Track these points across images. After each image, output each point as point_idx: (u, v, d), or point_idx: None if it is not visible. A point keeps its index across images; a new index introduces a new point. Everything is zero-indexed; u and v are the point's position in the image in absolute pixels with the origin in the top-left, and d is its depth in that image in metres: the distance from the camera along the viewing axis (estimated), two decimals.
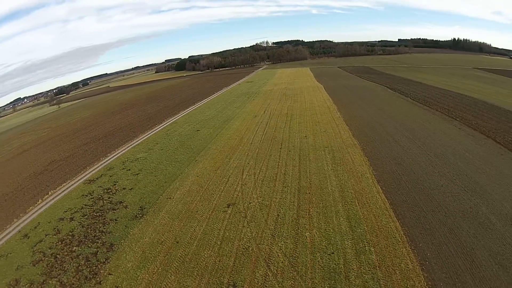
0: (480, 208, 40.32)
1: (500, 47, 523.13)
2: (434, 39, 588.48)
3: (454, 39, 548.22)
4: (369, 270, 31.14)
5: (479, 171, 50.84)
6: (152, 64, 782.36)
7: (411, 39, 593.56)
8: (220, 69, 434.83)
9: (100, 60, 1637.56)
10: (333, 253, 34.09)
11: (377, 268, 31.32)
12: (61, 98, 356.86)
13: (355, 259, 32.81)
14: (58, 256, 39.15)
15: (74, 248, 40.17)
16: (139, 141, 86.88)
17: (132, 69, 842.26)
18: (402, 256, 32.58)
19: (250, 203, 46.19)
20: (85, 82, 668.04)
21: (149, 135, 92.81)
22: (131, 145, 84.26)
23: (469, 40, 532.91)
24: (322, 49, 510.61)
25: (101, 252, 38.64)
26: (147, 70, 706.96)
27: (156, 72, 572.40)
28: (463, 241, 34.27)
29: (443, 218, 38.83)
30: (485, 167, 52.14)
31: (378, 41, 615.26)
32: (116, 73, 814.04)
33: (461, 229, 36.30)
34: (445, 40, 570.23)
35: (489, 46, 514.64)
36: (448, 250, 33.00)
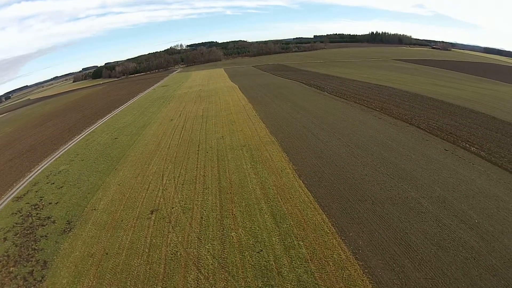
0: (409, 193, 41.89)
1: (422, 38, 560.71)
2: (352, 34, 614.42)
3: (372, 32, 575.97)
4: (301, 264, 31.27)
5: (404, 158, 53.04)
6: (70, 73, 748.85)
7: (327, 35, 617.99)
8: (136, 74, 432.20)
9: (21, 72, 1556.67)
10: (261, 250, 34.12)
11: (309, 261, 31.48)
12: None
13: (285, 255, 32.93)
14: None
15: (11, 268, 38.93)
16: (61, 153, 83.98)
17: (51, 79, 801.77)
18: (333, 247, 32.96)
19: (172, 207, 45.65)
20: (7, 95, 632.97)
21: (69, 146, 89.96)
22: (53, 157, 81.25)
23: (388, 33, 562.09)
24: (236, 49, 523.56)
25: (36, 271, 37.36)
26: (65, 80, 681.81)
27: (74, 81, 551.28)
28: (396, 226, 35.30)
29: (371, 206, 39.87)
30: (410, 154, 54.54)
31: (293, 38, 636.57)
32: (36, 84, 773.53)
33: (392, 215, 37.43)
34: (363, 34, 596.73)
35: (409, 38, 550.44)
36: (381, 237, 33.79)
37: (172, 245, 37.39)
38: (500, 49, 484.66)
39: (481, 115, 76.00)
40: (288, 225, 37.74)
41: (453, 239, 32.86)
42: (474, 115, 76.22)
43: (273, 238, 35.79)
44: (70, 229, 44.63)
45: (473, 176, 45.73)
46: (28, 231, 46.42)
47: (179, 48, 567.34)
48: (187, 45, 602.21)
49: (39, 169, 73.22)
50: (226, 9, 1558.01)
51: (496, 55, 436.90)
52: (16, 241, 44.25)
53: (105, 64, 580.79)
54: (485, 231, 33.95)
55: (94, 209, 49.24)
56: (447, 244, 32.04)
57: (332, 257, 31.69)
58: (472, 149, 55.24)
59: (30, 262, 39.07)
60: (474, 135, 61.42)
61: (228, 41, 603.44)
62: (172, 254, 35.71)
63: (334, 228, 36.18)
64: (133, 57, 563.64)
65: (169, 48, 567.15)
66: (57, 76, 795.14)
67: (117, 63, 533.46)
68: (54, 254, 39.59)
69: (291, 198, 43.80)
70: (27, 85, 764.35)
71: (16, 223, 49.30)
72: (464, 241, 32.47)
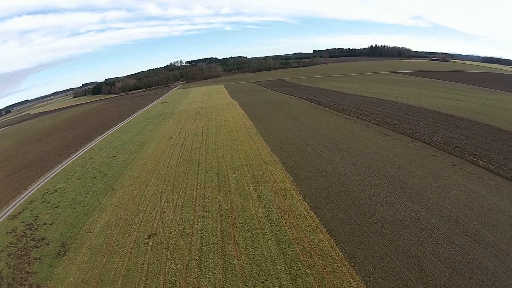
0: (419, 213, 40.48)
1: (421, 50, 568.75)
2: (351, 48, 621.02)
3: (371, 46, 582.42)
4: None
5: (412, 175, 51.65)
6: (70, 88, 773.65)
7: (326, 49, 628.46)
8: (135, 91, 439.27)
9: (22, 86, 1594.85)
10: (266, 280, 32.55)
11: None
12: None
13: (291, 284, 31.40)
14: None
15: None
16: (58, 171, 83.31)
17: (51, 94, 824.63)
18: (343, 275, 31.52)
19: (171, 232, 44.17)
20: (7, 109, 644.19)
21: (67, 163, 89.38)
22: (50, 175, 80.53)
23: (387, 46, 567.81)
24: (236, 65, 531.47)
25: None
26: (65, 95, 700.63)
27: (74, 97, 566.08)
28: (407, 250, 33.91)
29: (381, 229, 38.41)
30: (417, 170, 53.21)
31: (293, 53, 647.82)
32: (37, 99, 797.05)
33: (403, 238, 36.00)
34: (362, 48, 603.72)
35: (408, 50, 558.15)
36: (393, 262, 32.37)
37: (170, 273, 36.01)
38: (499, 57, 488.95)
39: (486, 127, 75.13)
40: (294, 252, 36.21)
41: (467, 260, 31.53)
42: (479, 127, 75.32)
43: (278, 266, 34.26)
44: (65, 252, 43.63)
45: (483, 192, 44.49)
46: (22, 252, 45.65)
47: (179, 65, 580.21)
48: (187, 61, 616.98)
49: (35, 187, 72.62)
50: (225, 25, 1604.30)
51: (496, 63, 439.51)
52: (10, 262, 43.48)
53: (105, 80, 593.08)
54: (499, 250, 32.75)
55: (90, 232, 48.18)
56: (461, 267, 30.71)
57: (342, 285, 30.27)
58: (480, 162, 54.15)
59: (23, 286, 38.26)
60: (481, 148, 60.39)
61: (228, 57, 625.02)
62: (170, 284, 34.35)
63: (343, 254, 34.69)
64: (133, 73, 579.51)
65: (168, 64, 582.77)
66: (57, 91, 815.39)
67: (117, 79, 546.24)
68: (48, 278, 38.68)
69: (296, 222, 42.26)
70: (27, 100, 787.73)
71: (10, 243, 48.57)
72: (478, 262, 31.20)
